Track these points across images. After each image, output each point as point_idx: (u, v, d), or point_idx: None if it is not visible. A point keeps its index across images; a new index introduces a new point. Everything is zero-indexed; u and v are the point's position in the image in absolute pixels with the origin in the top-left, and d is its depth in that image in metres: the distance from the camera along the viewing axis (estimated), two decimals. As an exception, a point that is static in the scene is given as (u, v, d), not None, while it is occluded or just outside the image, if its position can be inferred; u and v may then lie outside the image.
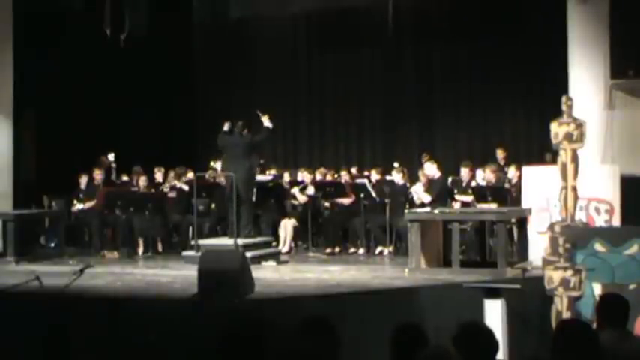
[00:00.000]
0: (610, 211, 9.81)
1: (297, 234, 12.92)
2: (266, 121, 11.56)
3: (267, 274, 9.92)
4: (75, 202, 12.95)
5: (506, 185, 11.63)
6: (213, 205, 13.03)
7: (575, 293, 7.98)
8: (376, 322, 7.21)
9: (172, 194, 12.86)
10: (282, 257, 11.71)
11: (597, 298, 7.72)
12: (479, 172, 12.06)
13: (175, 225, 12.95)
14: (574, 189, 8.35)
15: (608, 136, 11.26)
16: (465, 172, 11.99)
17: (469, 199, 11.53)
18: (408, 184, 12.31)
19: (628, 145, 11.37)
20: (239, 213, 11.14)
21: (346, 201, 12.64)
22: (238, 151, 11.33)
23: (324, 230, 13.00)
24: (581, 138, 8.32)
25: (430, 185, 11.78)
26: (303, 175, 13.49)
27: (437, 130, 16.44)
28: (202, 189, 12.73)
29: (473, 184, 11.87)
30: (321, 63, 17.45)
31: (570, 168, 8.33)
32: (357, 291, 8.84)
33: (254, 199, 11.66)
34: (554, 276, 8.07)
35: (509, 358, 6.95)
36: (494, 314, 7.45)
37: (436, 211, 10.55)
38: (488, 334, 4.18)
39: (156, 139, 16.58)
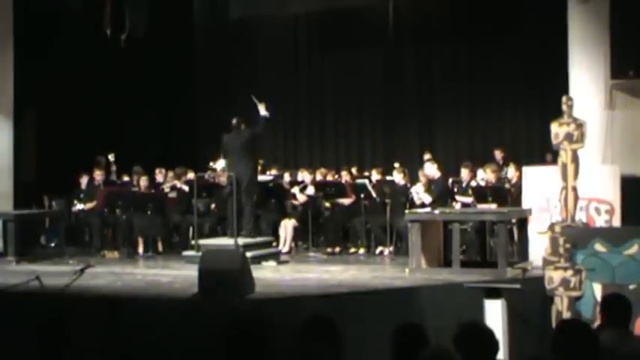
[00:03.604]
0: (610, 212, 9.80)
1: (298, 234, 12.92)
2: (262, 110, 11.38)
3: (268, 274, 9.91)
4: (75, 202, 12.95)
5: (507, 185, 11.63)
6: (213, 205, 13.03)
7: (575, 293, 7.99)
8: (376, 322, 7.21)
9: (173, 194, 12.86)
10: (283, 257, 11.70)
11: (597, 298, 7.74)
12: (480, 172, 12.07)
13: (176, 225, 12.95)
14: (574, 189, 8.37)
15: (608, 137, 11.26)
16: (465, 173, 11.97)
17: (469, 200, 11.53)
18: (408, 184, 12.31)
19: (628, 145, 11.37)
20: (241, 210, 11.15)
21: (346, 201, 12.63)
22: (239, 149, 11.31)
23: (325, 230, 12.99)
24: (581, 138, 8.34)
25: (430, 185, 11.78)
26: (304, 175, 13.49)
27: (437, 130, 16.46)
28: (202, 189, 12.73)
29: (473, 184, 11.87)
30: (321, 63, 17.47)
31: (571, 168, 8.35)
32: (358, 291, 8.83)
33: (255, 197, 11.61)
34: (554, 276, 8.09)
35: (510, 358, 6.96)
36: (494, 314, 7.45)
37: (436, 212, 10.54)
38: (489, 334, 4.18)
39: (156, 139, 16.59)
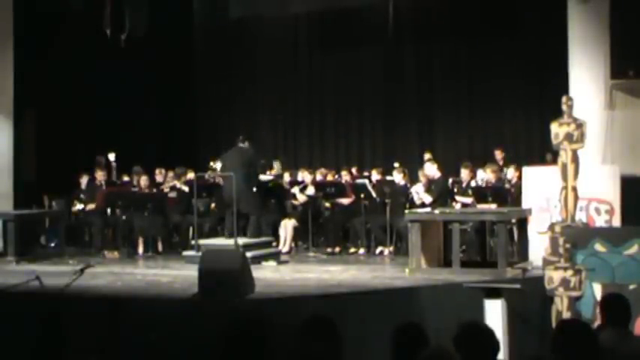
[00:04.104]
0: (610, 212, 9.80)
1: (298, 234, 12.91)
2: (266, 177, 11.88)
3: (268, 274, 9.92)
4: (75, 202, 12.95)
5: (507, 185, 11.63)
6: (213, 205, 13.03)
7: (575, 293, 7.99)
8: (376, 322, 7.21)
9: (173, 194, 12.86)
10: (283, 257, 11.70)
11: (597, 298, 7.74)
12: (480, 172, 12.07)
13: (176, 225, 12.94)
14: (574, 189, 8.36)
15: (608, 137, 11.26)
16: (465, 173, 11.97)
17: (469, 200, 11.53)
18: (408, 184, 12.31)
19: (628, 145, 11.37)
20: (240, 212, 11.16)
21: (346, 201, 12.63)
22: (238, 164, 11.27)
23: (325, 230, 12.99)
24: (581, 138, 8.33)
25: (430, 185, 11.78)
26: (304, 175, 13.50)
27: (437, 130, 16.46)
28: (202, 189, 12.73)
29: (473, 184, 11.88)
30: (321, 63, 17.47)
31: (571, 168, 8.34)
32: (358, 291, 8.83)
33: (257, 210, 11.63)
34: (554, 276, 8.08)
35: (510, 358, 6.95)
36: (494, 314, 7.45)
37: (436, 212, 10.54)
38: (489, 334, 4.18)
39: (156, 139, 16.58)
